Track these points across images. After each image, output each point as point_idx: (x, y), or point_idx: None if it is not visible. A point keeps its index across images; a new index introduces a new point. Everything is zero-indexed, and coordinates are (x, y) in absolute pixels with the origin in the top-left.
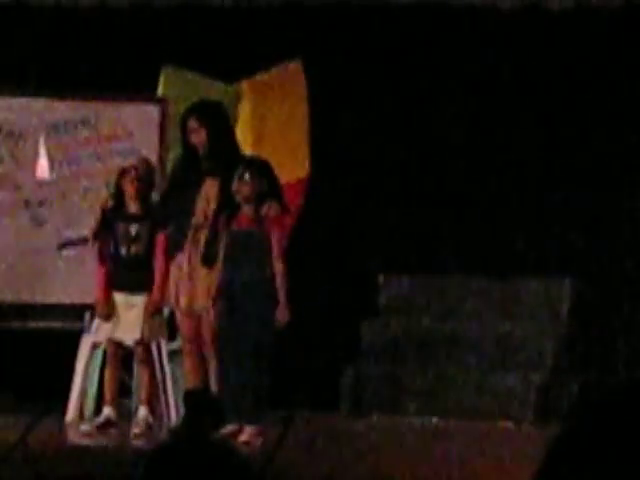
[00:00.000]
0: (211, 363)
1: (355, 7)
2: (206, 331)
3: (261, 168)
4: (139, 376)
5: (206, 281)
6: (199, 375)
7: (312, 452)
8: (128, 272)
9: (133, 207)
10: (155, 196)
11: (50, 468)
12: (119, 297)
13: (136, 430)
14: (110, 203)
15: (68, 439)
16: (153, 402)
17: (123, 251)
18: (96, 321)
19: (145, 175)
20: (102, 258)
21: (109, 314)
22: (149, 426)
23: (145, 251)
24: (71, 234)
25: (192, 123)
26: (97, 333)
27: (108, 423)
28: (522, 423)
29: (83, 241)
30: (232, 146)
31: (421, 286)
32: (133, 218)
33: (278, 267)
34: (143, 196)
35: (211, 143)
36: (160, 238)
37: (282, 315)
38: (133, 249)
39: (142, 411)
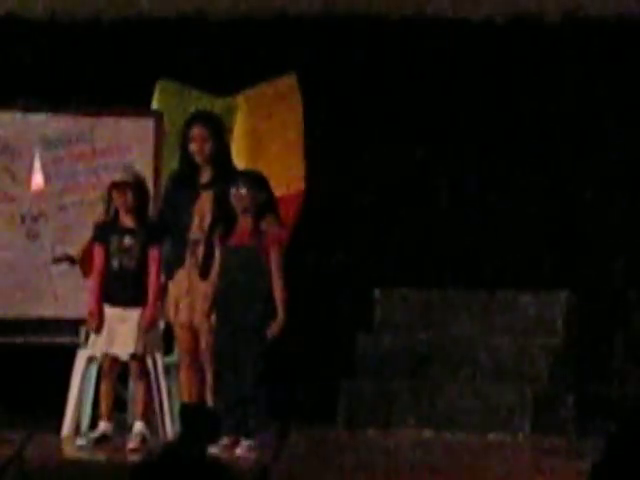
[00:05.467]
0: (208, 377)
1: (350, 20)
2: (204, 344)
3: (257, 181)
4: (135, 391)
5: (204, 295)
6: (196, 389)
7: (308, 466)
8: (121, 285)
9: (126, 220)
10: (151, 210)
11: None
12: (113, 311)
13: (132, 445)
14: (104, 217)
15: (64, 454)
16: (149, 416)
17: (115, 264)
18: (91, 336)
19: (137, 188)
20: (88, 272)
21: (100, 326)
22: (145, 441)
23: (138, 265)
24: (66, 248)
25: (198, 131)
26: (92, 347)
27: (104, 438)
28: (518, 436)
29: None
30: (230, 158)
31: (417, 300)
32: (126, 231)
33: (277, 282)
34: (136, 210)
35: (215, 153)
36: (154, 252)
37: (276, 330)
38: (126, 262)
39: (138, 426)
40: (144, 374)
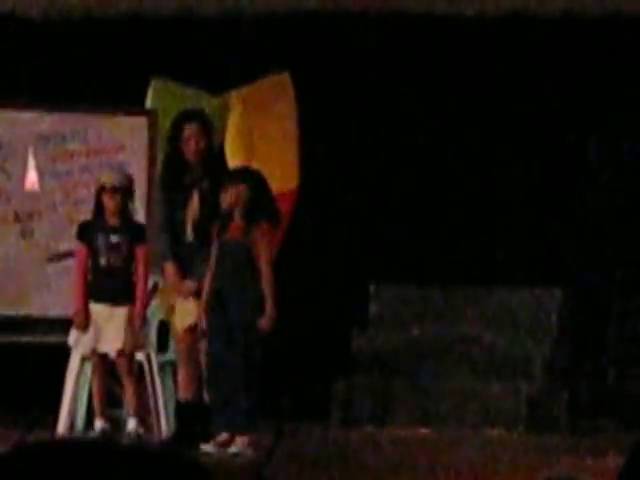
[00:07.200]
0: (205, 374)
1: (342, 18)
2: (202, 342)
3: (249, 177)
4: (125, 387)
5: (188, 290)
6: (192, 386)
7: (303, 462)
8: (108, 283)
9: (112, 219)
10: (137, 208)
11: None
12: (100, 308)
13: (127, 442)
14: (90, 215)
15: None
16: (144, 413)
17: (103, 262)
18: (72, 334)
19: (124, 188)
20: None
21: (87, 324)
22: (140, 437)
23: (125, 262)
24: (60, 247)
25: (190, 129)
26: (79, 345)
27: (103, 436)
28: (513, 432)
29: (72, 254)
30: (221, 156)
31: (411, 296)
32: (112, 229)
33: (266, 278)
34: (122, 208)
35: (207, 151)
36: (141, 250)
37: (265, 325)
38: (113, 260)
39: (131, 422)
40: (132, 370)
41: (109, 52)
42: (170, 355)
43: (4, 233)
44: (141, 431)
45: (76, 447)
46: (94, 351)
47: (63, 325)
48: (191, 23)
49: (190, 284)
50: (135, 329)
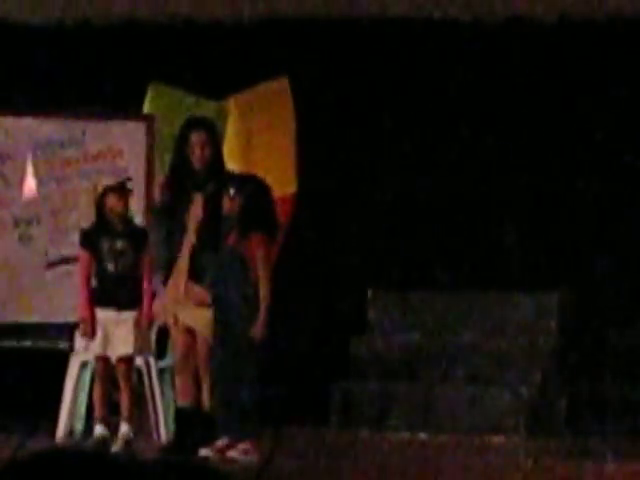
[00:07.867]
0: (205, 379)
1: (341, 24)
2: (201, 347)
3: (248, 186)
4: (122, 393)
5: (199, 298)
6: (192, 391)
7: (302, 467)
8: (116, 288)
9: (117, 224)
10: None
11: None
12: (108, 313)
13: (115, 448)
14: (92, 221)
15: None
16: (143, 419)
17: (110, 267)
18: (77, 340)
19: (126, 193)
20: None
21: (93, 331)
22: (129, 443)
23: (131, 267)
24: (59, 252)
25: (198, 137)
26: (86, 352)
27: (102, 441)
28: (513, 437)
29: (72, 260)
30: (223, 163)
31: (410, 301)
32: (117, 234)
33: (262, 285)
34: (126, 212)
35: (213, 158)
36: (146, 257)
37: (258, 332)
38: (120, 265)
39: (123, 428)
40: (130, 376)
41: (107, 57)
42: (169, 361)
43: (3, 239)
44: (131, 436)
45: (74, 459)
46: (100, 356)
47: (62, 330)
48: (189, 28)
49: (200, 291)
50: (143, 333)
